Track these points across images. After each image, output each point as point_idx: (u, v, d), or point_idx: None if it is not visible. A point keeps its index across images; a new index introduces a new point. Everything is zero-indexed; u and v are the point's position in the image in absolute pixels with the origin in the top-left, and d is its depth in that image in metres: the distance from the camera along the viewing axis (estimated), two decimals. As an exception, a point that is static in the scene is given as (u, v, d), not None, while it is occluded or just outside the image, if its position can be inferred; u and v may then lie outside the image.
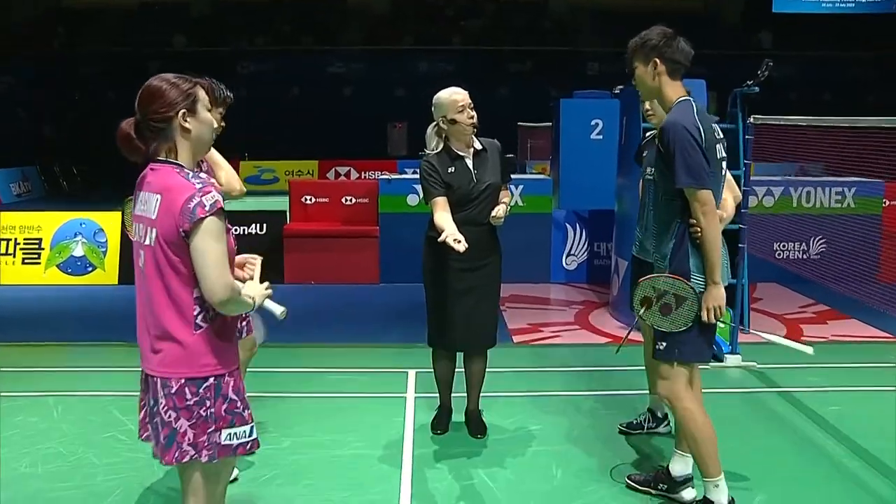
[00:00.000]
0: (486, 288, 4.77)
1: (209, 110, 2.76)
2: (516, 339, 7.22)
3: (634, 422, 5.11)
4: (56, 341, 7.33)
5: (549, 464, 4.61)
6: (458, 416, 5.12)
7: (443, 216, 4.52)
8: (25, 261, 9.86)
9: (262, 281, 3.00)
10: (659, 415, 5.08)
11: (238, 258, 3.03)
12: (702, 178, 3.58)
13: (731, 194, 4.53)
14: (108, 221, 9.90)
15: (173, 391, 2.66)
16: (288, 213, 10.31)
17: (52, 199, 20.73)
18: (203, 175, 2.69)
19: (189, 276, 2.62)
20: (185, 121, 2.69)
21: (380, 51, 27.42)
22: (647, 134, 5.08)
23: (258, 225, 9.85)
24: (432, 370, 5.08)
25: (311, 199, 10.31)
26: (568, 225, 9.81)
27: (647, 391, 5.15)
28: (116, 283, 9.70)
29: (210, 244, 2.57)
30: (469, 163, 4.71)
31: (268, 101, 26.02)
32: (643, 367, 6.29)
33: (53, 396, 5.61)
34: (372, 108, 25.09)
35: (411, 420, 5.26)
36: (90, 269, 9.79)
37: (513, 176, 5.35)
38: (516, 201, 9.62)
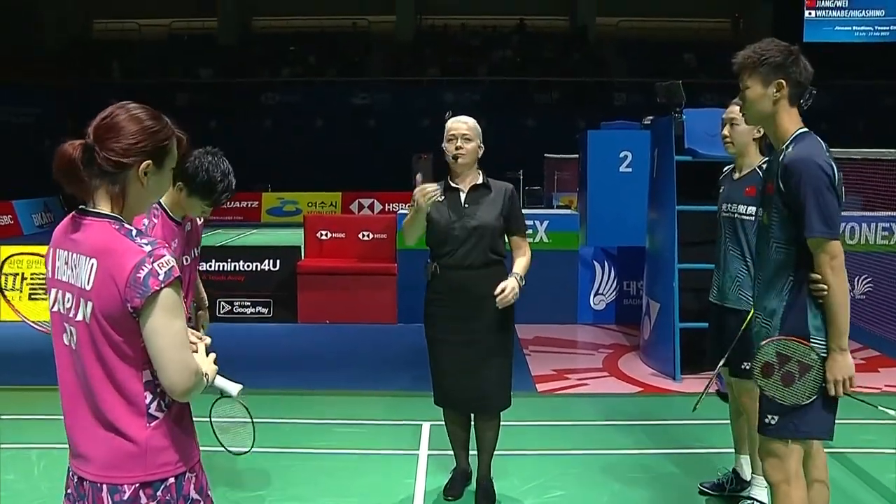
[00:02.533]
0: (489, 341, 4.24)
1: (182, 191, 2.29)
2: (540, 387, 6.71)
3: (716, 482, 4.58)
4: (50, 385, 6.91)
5: (575, 540, 4.10)
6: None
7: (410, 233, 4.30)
8: (32, 296, 9.51)
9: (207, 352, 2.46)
10: (743, 476, 4.52)
11: None
12: (836, 228, 3.05)
13: None
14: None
15: (126, 498, 2.13)
16: (303, 249, 9.91)
17: (73, 231, 20.54)
18: (151, 237, 2.18)
19: (137, 358, 2.12)
20: (145, 175, 2.16)
21: (404, 81, 27.22)
22: (725, 168, 4.63)
23: (271, 261, 9.44)
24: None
25: (326, 235, 9.90)
26: (596, 262, 9.31)
27: (695, 449, 4.62)
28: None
29: (168, 323, 2.08)
30: (462, 196, 4.25)
31: (292, 133, 25.89)
32: (678, 420, 5.78)
33: (38, 449, 5.19)
34: (396, 139, 24.79)
35: (422, 483, 4.76)
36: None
37: (538, 211, 4.79)
38: (541, 238, 9.15)
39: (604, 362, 7.57)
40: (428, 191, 4.03)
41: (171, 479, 2.17)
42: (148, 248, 2.09)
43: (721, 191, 4.49)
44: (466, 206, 4.22)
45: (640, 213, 8.02)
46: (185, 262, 3.81)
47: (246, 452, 3.87)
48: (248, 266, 9.40)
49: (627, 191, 8.82)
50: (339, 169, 24.13)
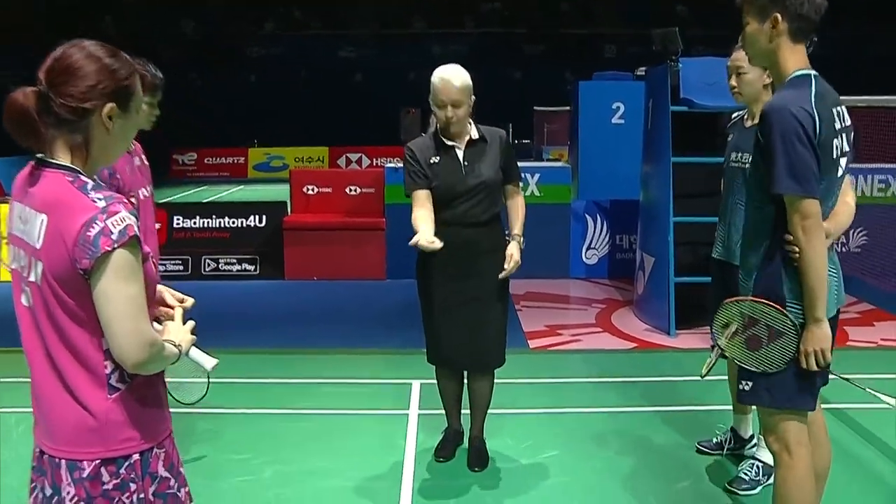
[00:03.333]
0: (488, 298, 4.10)
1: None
2: (532, 343, 6.58)
3: (714, 441, 4.46)
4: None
5: (570, 502, 3.97)
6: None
7: (419, 214, 3.90)
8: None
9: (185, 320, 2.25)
10: (742, 434, 4.40)
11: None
12: (807, 184, 2.73)
13: (848, 200, 3.15)
14: (98, 214, 9.31)
15: (85, 475, 1.94)
16: (289, 204, 9.70)
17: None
18: (110, 191, 1.95)
19: (93, 324, 1.91)
20: (110, 119, 1.93)
21: (391, 34, 26.74)
22: (734, 115, 4.40)
23: (256, 217, 9.24)
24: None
25: (313, 189, 9.68)
26: (588, 216, 9.14)
27: (692, 406, 4.52)
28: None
29: (120, 288, 1.86)
30: (459, 154, 4.05)
31: (277, 87, 25.46)
32: (674, 376, 5.67)
33: (16, 413, 5.03)
34: (384, 93, 24.39)
35: (413, 444, 4.64)
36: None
37: (529, 164, 4.57)
38: (532, 191, 8.97)
39: (597, 318, 7.44)
40: (433, 241, 3.72)
41: (136, 456, 1.99)
42: (102, 204, 1.87)
43: (729, 139, 4.27)
44: (466, 163, 4.04)
45: (633, 165, 7.86)
46: (142, 195, 3.58)
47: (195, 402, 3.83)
48: (233, 223, 9.20)
49: (620, 143, 8.66)
50: (326, 123, 23.77)
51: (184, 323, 2.19)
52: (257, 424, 4.93)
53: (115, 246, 1.84)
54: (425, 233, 3.69)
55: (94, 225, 1.84)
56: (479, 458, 4.34)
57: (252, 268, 9.15)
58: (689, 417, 4.97)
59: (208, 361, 2.37)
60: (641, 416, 5.05)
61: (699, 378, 3.19)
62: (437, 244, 3.61)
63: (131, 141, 2.22)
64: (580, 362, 6.19)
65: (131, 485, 1.99)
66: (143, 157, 3.76)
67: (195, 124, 24.03)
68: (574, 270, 9.11)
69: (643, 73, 8.53)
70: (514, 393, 5.18)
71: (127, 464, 1.98)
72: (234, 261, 9.14)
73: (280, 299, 8.49)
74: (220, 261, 9.13)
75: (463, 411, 4.46)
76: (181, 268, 9.10)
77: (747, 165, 3.74)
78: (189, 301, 2.26)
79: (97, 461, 1.95)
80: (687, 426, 4.81)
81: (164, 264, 9.05)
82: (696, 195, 6.86)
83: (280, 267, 9.10)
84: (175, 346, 2.07)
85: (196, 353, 2.32)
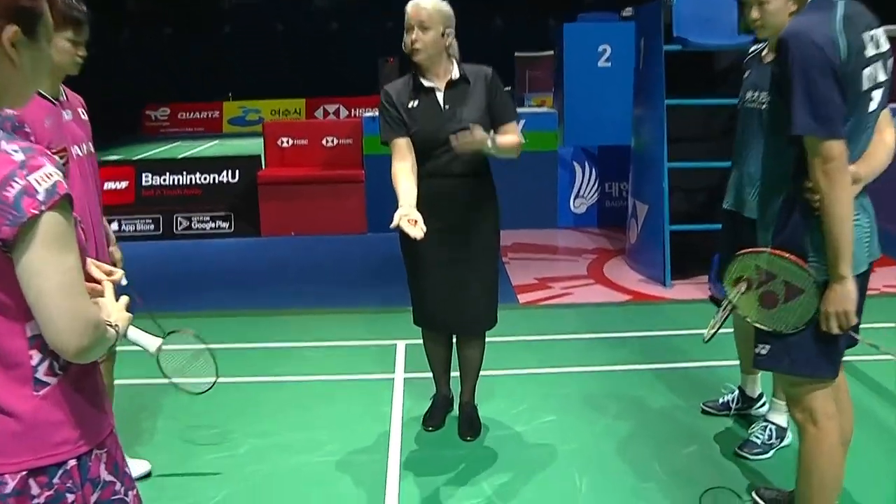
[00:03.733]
0: (477, 257, 3.77)
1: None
2: (522, 298, 6.27)
3: (721, 401, 4.17)
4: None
5: (570, 472, 3.69)
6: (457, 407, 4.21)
7: (399, 169, 3.54)
8: None
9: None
10: (750, 393, 4.11)
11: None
12: (829, 123, 2.42)
13: (886, 138, 2.74)
14: (63, 172, 8.86)
15: (9, 490, 1.58)
16: (263, 158, 9.28)
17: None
18: (28, 141, 1.57)
19: (17, 306, 1.55)
20: (13, 48, 1.52)
21: (367, -20, 25.99)
22: (752, 48, 3.92)
23: (229, 172, 8.84)
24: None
25: (287, 142, 9.26)
26: (576, 163, 8.79)
27: (694, 362, 4.24)
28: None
29: (53, 260, 1.50)
30: (439, 97, 3.65)
31: (252, 38, 24.75)
32: (672, 330, 5.41)
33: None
34: (361, 42, 23.76)
35: (399, 412, 4.33)
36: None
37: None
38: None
39: (588, 269, 7.14)
40: (415, 220, 3.25)
41: (72, 462, 1.63)
42: (20, 157, 1.49)
43: (746, 76, 3.80)
44: (447, 106, 3.64)
45: (621, 109, 7.52)
46: (76, 153, 3.09)
47: (209, 388, 3.43)
48: (204, 179, 8.80)
49: (607, 87, 8.29)
50: (303, 75, 23.20)
51: (116, 299, 1.83)
52: (231, 393, 4.59)
53: (44, 208, 1.47)
54: (406, 206, 3.30)
55: (13, 184, 1.47)
56: (470, 425, 4.04)
57: (226, 225, 8.76)
58: (690, 375, 4.69)
59: (151, 343, 2.03)
60: (640, 374, 4.76)
61: (699, 335, 2.89)
62: (419, 231, 3.18)
63: (46, 82, 1.83)
64: (573, 317, 5.88)
65: (68, 496, 1.63)
66: (84, 110, 3.28)
67: (167, 79, 23.38)
68: (562, 220, 8.78)
69: (629, 13, 8.14)
70: (505, 352, 4.87)
71: (61, 472, 1.62)
72: (208, 218, 8.75)
73: (256, 257, 8.13)
74: (193, 219, 8.74)
75: (453, 374, 4.16)
76: (152, 227, 8.70)
77: (765, 106, 3.37)
78: (118, 273, 1.89)
79: (23, 472, 1.59)
80: (689, 385, 4.53)
81: (134, 224, 8.68)
82: (691, 139, 6.53)
83: (256, 223, 8.72)
84: (112, 327, 1.72)
85: (135, 333, 1.97)
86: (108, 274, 1.86)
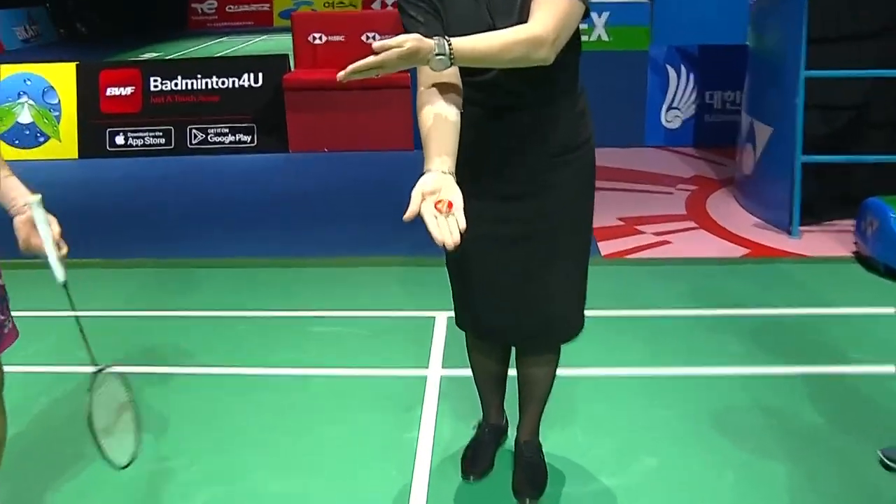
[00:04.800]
0: (555, 233, 2.35)
1: None
2: (604, 248, 4.82)
3: None
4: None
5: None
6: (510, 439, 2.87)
7: (429, 110, 2.02)
8: None
9: None
10: None
11: None
12: None
13: None
14: (61, 76, 7.58)
15: None
16: (291, 58, 7.83)
17: (66, 45, 18.41)
18: None
19: None
20: None
21: None
22: None
23: (251, 75, 7.43)
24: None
25: (320, 38, 7.76)
26: (670, 67, 7.12)
27: (856, 366, 2.82)
28: (76, 156, 7.52)
29: None
30: None
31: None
32: (815, 308, 3.94)
33: None
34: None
35: (429, 441, 3.00)
36: (42, 139, 7.57)
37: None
38: (599, 35, 6.99)
39: (687, 205, 5.62)
40: (448, 204, 1.83)
41: None
42: None
43: None
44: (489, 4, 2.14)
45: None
46: None
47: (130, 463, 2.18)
48: (222, 83, 7.42)
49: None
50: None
51: None
52: (213, 395, 3.34)
53: None
54: (433, 175, 1.86)
55: None
56: (531, 478, 2.68)
57: (248, 139, 7.41)
58: (849, 388, 3.24)
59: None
60: (776, 383, 3.33)
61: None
62: (448, 233, 1.76)
63: None
64: (675, 280, 4.39)
65: None
66: None
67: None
68: (650, 137, 7.20)
69: None
70: (580, 346, 3.48)
71: None
72: (226, 131, 7.41)
73: (281, 179, 6.80)
74: (210, 131, 7.41)
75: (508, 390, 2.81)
76: (162, 141, 7.42)
77: None
78: None
79: None
80: (853, 409, 3.09)
81: (142, 137, 7.40)
82: (836, 39, 4.89)
83: (283, 137, 7.36)
84: None
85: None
86: None
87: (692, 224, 5.23)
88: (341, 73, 1.86)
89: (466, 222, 1.81)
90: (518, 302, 2.41)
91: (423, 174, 1.87)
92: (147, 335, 3.94)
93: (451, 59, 1.89)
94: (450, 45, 1.88)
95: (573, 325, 2.51)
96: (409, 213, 1.77)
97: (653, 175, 6.35)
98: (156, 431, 3.05)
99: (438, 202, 1.79)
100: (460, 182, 1.89)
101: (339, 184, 6.58)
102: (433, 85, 2.04)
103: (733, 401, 3.20)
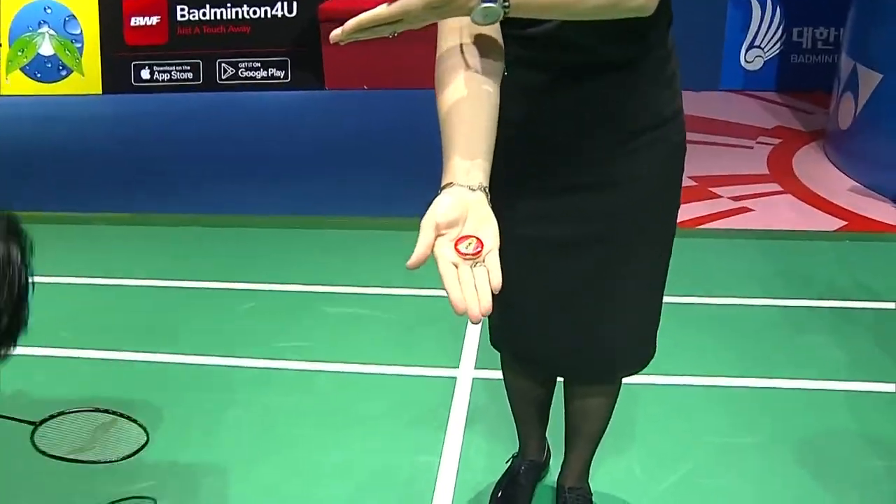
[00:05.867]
0: (625, 240, 1.71)
1: None
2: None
3: None
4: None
5: None
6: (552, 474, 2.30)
7: (452, 97, 1.31)
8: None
9: None
10: None
11: None
12: None
13: None
14: (82, 4, 7.02)
15: None
16: (329, -15, 7.17)
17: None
18: None
19: None
20: None
21: None
22: None
23: (285, 3, 6.79)
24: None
25: (361, -37, 7.08)
26: (753, -1, 6.31)
27: None
28: (100, 91, 7.01)
29: None
30: None
31: None
32: None
33: None
34: None
35: (453, 467, 2.44)
36: (64, 72, 7.06)
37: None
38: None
39: (769, 162, 4.89)
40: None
41: None
42: None
43: None
44: None
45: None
46: None
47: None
48: (254, 13, 6.79)
49: None
50: None
51: None
52: (199, 390, 2.83)
53: None
54: (453, 198, 1.18)
55: None
56: (577, 536, 2.12)
57: (281, 74, 6.81)
58: None
59: None
60: (886, 400, 2.69)
61: None
62: (482, 299, 1.08)
63: None
64: (757, 257, 3.74)
65: None
66: None
67: None
68: (727, 80, 6.40)
69: None
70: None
71: None
72: (259, 64, 6.81)
73: (314, 121, 6.22)
74: (240, 66, 6.82)
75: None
76: (190, 76, 6.87)
77: None
78: None
79: None
80: None
81: (169, 72, 6.85)
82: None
83: (319, 72, 6.74)
84: None
85: None
86: None
87: (776, 187, 4.51)
88: (336, 32, 1.23)
89: (508, 229, 1.20)
90: (569, 327, 1.80)
91: (439, 191, 1.23)
92: (136, 313, 3.42)
93: (504, 7, 1.23)
94: None
95: (643, 357, 1.90)
96: (416, 259, 1.11)
97: (730, 125, 5.59)
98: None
99: (461, 240, 1.16)
100: (505, 169, 1.30)
101: (378, 126, 5.98)
102: (461, 44, 1.39)
103: (834, 426, 2.57)
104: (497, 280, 1.09)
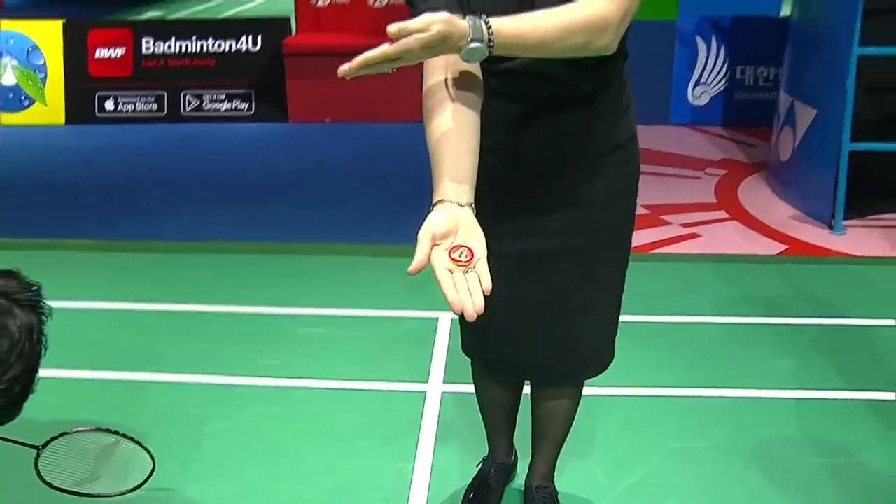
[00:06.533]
0: (590, 252, 1.93)
1: None
2: (626, 240, 4.37)
3: None
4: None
5: None
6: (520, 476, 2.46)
7: (439, 117, 1.56)
8: None
9: None
10: None
11: None
12: None
13: None
14: (46, 35, 7.10)
15: None
16: (292, 21, 7.33)
17: (66, 1, 17.83)
18: None
19: None
20: None
21: None
22: None
23: (249, 38, 6.93)
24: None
25: (323, 0, 7.26)
26: (699, 38, 6.60)
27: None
28: (63, 122, 7.06)
29: None
30: None
31: None
32: (873, 319, 3.50)
33: None
34: None
35: (426, 472, 2.58)
36: (27, 103, 7.11)
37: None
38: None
39: (717, 191, 5.15)
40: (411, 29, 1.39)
41: None
42: None
43: None
44: None
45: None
46: None
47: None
48: (218, 46, 6.92)
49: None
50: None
51: None
52: (178, 407, 2.93)
53: None
54: (446, 207, 1.41)
55: None
56: (544, 530, 2.28)
57: (245, 106, 6.94)
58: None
59: None
60: (835, 410, 2.90)
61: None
62: (475, 299, 1.29)
63: None
64: (707, 281, 3.97)
65: None
66: None
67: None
68: (676, 115, 6.69)
69: None
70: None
71: None
72: (223, 97, 6.93)
73: (278, 152, 6.34)
74: (205, 97, 6.93)
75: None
76: (154, 107, 6.94)
77: None
78: None
79: None
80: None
81: (133, 103, 6.94)
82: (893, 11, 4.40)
83: (282, 106, 6.88)
84: None
85: None
86: None
87: (723, 214, 4.77)
88: (344, 68, 1.41)
89: (486, 227, 1.41)
90: (543, 332, 1.99)
91: (431, 207, 1.41)
92: (113, 333, 3.52)
93: (490, 47, 1.44)
94: (489, 27, 1.42)
95: (606, 358, 2.09)
96: (416, 265, 1.32)
97: (680, 157, 5.86)
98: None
99: (454, 249, 1.34)
100: (488, 178, 1.51)
101: (340, 159, 6.12)
102: (446, 79, 1.58)
103: (781, 431, 2.77)
104: (487, 284, 1.29)
